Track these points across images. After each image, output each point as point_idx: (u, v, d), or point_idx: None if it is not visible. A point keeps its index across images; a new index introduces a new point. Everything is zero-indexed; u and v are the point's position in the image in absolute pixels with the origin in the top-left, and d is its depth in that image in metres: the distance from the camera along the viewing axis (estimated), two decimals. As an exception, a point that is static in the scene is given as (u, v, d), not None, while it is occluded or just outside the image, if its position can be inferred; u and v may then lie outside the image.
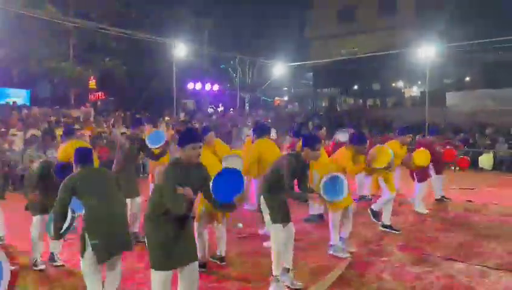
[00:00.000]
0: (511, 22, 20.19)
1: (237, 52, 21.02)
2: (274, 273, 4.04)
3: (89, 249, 3.31)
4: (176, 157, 3.13)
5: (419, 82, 23.62)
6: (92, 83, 21.48)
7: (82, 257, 3.39)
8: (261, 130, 5.84)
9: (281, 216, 4.02)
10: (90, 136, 12.44)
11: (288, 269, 4.11)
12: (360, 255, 4.96)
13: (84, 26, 14.53)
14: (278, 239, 3.97)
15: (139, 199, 5.63)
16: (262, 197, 4.11)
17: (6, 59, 14.79)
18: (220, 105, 26.76)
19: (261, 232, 5.52)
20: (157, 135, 6.09)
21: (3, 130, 11.00)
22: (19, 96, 18.49)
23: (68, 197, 3.41)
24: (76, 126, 13.01)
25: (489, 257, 4.90)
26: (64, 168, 4.25)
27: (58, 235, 3.58)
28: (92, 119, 14.70)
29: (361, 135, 5.24)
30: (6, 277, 2.07)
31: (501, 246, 5.26)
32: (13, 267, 2.18)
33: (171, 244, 2.98)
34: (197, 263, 3.13)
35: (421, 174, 7.13)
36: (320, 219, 6.45)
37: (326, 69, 23.60)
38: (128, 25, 15.82)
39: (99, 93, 20.87)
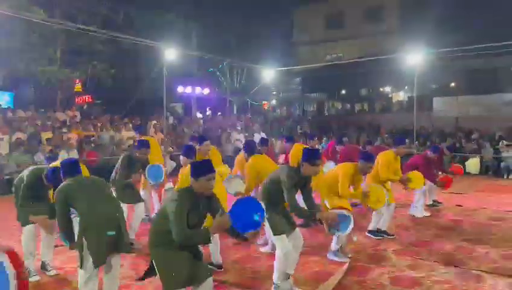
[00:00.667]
0: (494, 30, 20.70)
1: (225, 56, 21.00)
2: (275, 281, 4.01)
3: (88, 256, 3.24)
4: (189, 187, 3.05)
5: (406, 87, 23.94)
6: (78, 86, 21.16)
7: (81, 266, 3.31)
8: (250, 148, 5.77)
9: (282, 227, 3.96)
10: (77, 140, 12.29)
11: (289, 275, 4.07)
12: (358, 260, 4.97)
13: (71, 28, 14.30)
14: (283, 249, 3.91)
15: (141, 205, 5.65)
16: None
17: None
18: (208, 109, 26.65)
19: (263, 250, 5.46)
20: (158, 170, 6.11)
21: (-13, 134, 10.73)
22: (1, 99, 18.12)
23: (65, 207, 3.42)
24: (64, 130, 12.81)
25: (484, 261, 4.95)
26: (55, 173, 4.15)
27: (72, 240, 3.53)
28: (78, 122, 14.49)
29: (371, 154, 5.26)
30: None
31: (494, 251, 5.33)
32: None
33: (186, 263, 2.93)
34: (212, 278, 3.06)
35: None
36: (315, 223, 6.45)
37: (314, 74, 23.76)
38: (115, 28, 15.63)
39: (86, 96, 20.57)
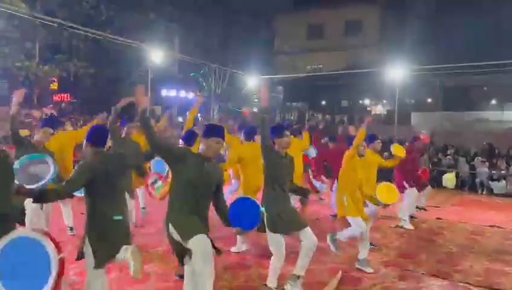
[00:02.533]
0: (469, 49, 21.53)
1: (208, 61, 20.94)
2: (269, 284, 4.03)
3: (90, 256, 3.08)
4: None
5: (385, 101, 24.52)
6: (54, 85, 20.64)
7: (89, 263, 3.09)
8: (248, 133, 5.80)
9: (278, 227, 3.93)
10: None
11: (299, 276, 4.04)
12: (349, 270, 5.01)
13: (53, 24, 13.96)
14: (278, 248, 3.95)
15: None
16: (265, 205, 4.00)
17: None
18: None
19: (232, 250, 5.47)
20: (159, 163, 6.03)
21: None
22: (-28, 93, 17.49)
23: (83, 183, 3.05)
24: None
25: (469, 274, 5.09)
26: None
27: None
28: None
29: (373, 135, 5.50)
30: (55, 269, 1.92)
31: (477, 264, 5.48)
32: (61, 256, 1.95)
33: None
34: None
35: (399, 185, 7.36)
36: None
37: (296, 83, 24.02)
38: (96, 27, 15.34)
39: (65, 95, 20.07)
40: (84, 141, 3.19)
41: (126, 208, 3.31)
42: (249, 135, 5.75)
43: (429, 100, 22.81)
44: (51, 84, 20.40)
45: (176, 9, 22.76)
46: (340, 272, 4.83)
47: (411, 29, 23.26)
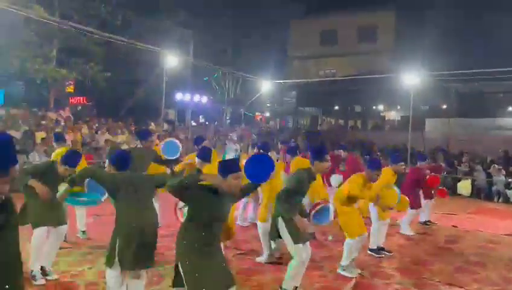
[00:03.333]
0: (486, 56, 21.29)
1: (221, 66, 21.07)
2: (284, 286, 4.09)
3: (115, 256, 3.25)
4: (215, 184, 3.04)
5: (399, 107, 24.33)
6: (70, 88, 20.96)
7: (110, 266, 3.30)
8: (264, 148, 5.83)
9: (304, 235, 4.04)
10: (72, 141, 12.07)
11: (296, 287, 4.10)
12: (363, 277, 4.97)
13: (71, 28, 14.21)
14: (302, 258, 3.99)
15: None
16: (280, 219, 4.06)
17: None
18: (201, 117, 26.62)
19: (258, 260, 5.44)
20: (173, 145, 6.01)
21: (-19, 130, 10.50)
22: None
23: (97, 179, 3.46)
24: (58, 130, 12.62)
25: (486, 283, 5.00)
26: (75, 154, 4.22)
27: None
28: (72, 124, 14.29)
29: (378, 160, 5.30)
30: None
31: (494, 273, 5.39)
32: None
33: (212, 269, 2.91)
34: (235, 287, 3.04)
35: (415, 201, 7.27)
36: (314, 237, 6.45)
37: (309, 88, 23.99)
38: (112, 32, 15.55)
39: (81, 98, 20.35)
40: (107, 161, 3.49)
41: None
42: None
43: (444, 106, 22.55)
44: (67, 87, 20.74)
45: (190, 14, 22.96)
46: (354, 280, 4.79)
47: (426, 35, 23.11)
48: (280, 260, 5.26)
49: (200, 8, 23.31)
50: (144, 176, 4.06)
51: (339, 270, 5.03)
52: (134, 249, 3.24)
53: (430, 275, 5.20)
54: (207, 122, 25.39)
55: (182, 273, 2.90)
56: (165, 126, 17.40)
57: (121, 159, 3.71)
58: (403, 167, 6.39)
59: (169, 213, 6.48)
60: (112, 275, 3.35)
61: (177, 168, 5.56)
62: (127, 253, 3.22)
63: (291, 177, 4.28)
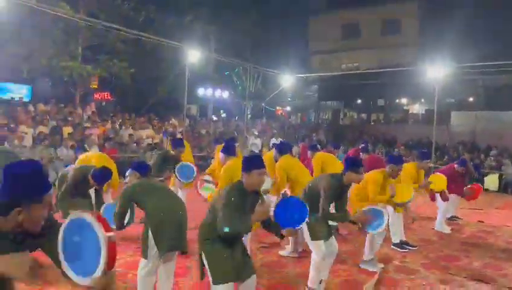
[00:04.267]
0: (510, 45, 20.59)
1: (242, 61, 21.07)
2: (309, 285, 4.09)
3: (152, 249, 3.41)
4: (239, 181, 3.07)
5: (423, 100, 23.84)
6: (94, 84, 21.37)
7: (145, 257, 3.47)
8: (283, 148, 5.82)
9: (321, 233, 4.03)
10: (98, 136, 12.40)
11: (321, 280, 4.11)
12: (387, 271, 4.95)
13: (95, 26, 14.48)
14: (320, 254, 4.00)
15: None
16: None
17: (17, 55, 14.71)
18: (222, 112, 26.76)
19: (281, 253, 5.48)
20: (189, 169, 6.17)
21: (12, 126, 10.89)
22: (20, 92, 18.37)
23: (128, 204, 3.69)
24: (87, 124, 12.99)
25: (515, 279, 4.90)
26: (102, 173, 4.39)
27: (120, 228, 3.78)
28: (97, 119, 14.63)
29: (400, 157, 5.28)
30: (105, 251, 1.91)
31: (523, 269, 5.27)
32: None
33: (234, 258, 2.96)
34: (255, 276, 3.10)
35: (444, 194, 7.16)
36: (337, 231, 6.44)
37: (331, 82, 23.77)
38: (135, 29, 15.77)
39: (105, 93, 20.75)
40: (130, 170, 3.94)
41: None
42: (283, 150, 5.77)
43: (470, 99, 21.97)
44: (92, 83, 21.16)
45: (211, 10, 23.04)
46: (377, 274, 4.77)
47: (451, 26, 22.50)
48: (303, 254, 5.29)
49: (221, 3, 23.36)
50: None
51: (361, 265, 5.03)
52: (167, 234, 3.39)
53: (457, 270, 5.13)
54: (227, 117, 25.49)
55: (205, 263, 2.98)
56: (187, 121, 17.56)
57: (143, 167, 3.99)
58: (429, 164, 6.34)
59: (193, 206, 6.59)
60: (145, 265, 3.49)
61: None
62: (161, 239, 3.38)
63: (321, 181, 4.11)
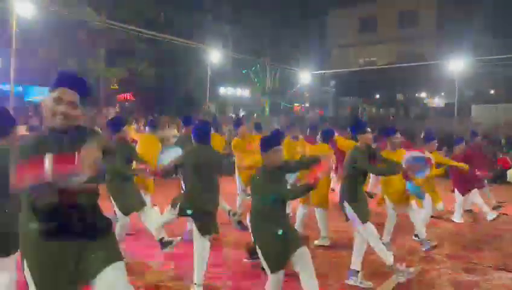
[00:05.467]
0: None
1: (260, 58, 21.28)
2: (354, 267, 4.36)
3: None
4: (262, 165, 3.38)
5: (443, 93, 23.68)
6: (114, 85, 21.93)
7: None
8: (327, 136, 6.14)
9: (368, 215, 4.32)
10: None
11: (358, 271, 4.36)
12: (412, 261, 5.16)
13: (118, 28, 14.93)
14: (372, 235, 4.28)
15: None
16: (346, 202, 4.34)
17: (46, 58, 15.31)
18: (241, 110, 27.06)
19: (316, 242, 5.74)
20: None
21: (44, 128, 11.33)
22: (42, 94, 19.02)
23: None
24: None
25: (538, 268, 5.06)
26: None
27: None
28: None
29: (391, 128, 5.85)
30: None
31: (547, 259, 5.41)
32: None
33: (283, 241, 3.21)
34: (305, 247, 3.30)
35: (464, 186, 7.30)
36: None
37: (348, 77, 23.81)
38: (156, 30, 16.17)
39: (127, 94, 21.28)
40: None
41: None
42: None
43: (491, 92, 21.74)
44: (112, 85, 21.73)
45: (230, 8, 23.35)
46: (404, 264, 4.98)
47: (471, 17, 22.28)
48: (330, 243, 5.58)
49: (239, 2, 23.65)
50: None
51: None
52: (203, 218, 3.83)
53: (479, 260, 5.31)
54: (246, 115, 25.83)
55: (255, 243, 3.29)
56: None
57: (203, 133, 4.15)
58: (436, 144, 6.43)
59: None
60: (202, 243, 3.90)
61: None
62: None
63: (349, 157, 4.43)
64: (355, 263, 4.34)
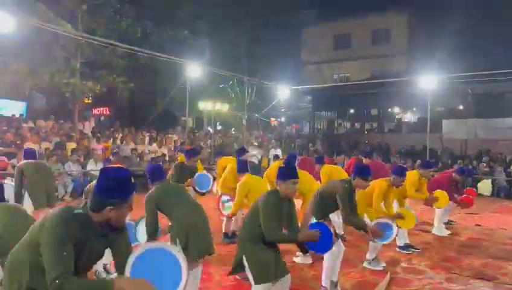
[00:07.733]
0: (502, 55, 21.34)
1: (237, 73, 21.46)
2: (323, 284, 4.41)
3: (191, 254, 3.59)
4: (275, 189, 3.42)
5: (415, 109, 24.42)
6: (88, 99, 21.58)
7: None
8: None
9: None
10: (102, 151, 12.60)
11: (336, 282, 4.41)
12: (396, 272, 5.27)
13: (93, 42, 14.76)
14: (333, 254, 4.30)
15: None
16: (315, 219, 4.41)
17: (18, 72, 14.95)
18: (218, 124, 27.03)
19: (295, 260, 5.76)
20: (205, 178, 6.40)
21: (18, 142, 11.06)
22: (15, 108, 18.48)
23: (155, 208, 3.79)
24: (89, 141, 13.19)
25: (515, 276, 5.25)
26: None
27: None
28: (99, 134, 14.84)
29: (403, 167, 5.63)
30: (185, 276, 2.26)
31: (522, 268, 5.63)
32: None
33: (272, 259, 3.25)
34: (289, 275, 3.39)
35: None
36: (344, 238, 6.73)
37: (324, 92, 24.26)
38: (132, 44, 16.06)
39: (103, 108, 20.94)
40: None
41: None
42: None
43: (460, 107, 22.60)
44: (86, 99, 21.36)
45: (206, 24, 23.48)
46: (388, 274, 5.09)
47: (440, 36, 23.23)
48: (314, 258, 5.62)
49: (216, 17, 23.83)
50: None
51: (365, 264, 5.38)
52: (196, 242, 3.66)
53: (460, 270, 5.47)
54: (223, 129, 25.86)
55: (245, 264, 3.27)
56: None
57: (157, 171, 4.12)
58: (431, 173, 6.70)
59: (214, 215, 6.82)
60: None
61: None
62: (191, 247, 3.63)
63: (334, 185, 4.41)
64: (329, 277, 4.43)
